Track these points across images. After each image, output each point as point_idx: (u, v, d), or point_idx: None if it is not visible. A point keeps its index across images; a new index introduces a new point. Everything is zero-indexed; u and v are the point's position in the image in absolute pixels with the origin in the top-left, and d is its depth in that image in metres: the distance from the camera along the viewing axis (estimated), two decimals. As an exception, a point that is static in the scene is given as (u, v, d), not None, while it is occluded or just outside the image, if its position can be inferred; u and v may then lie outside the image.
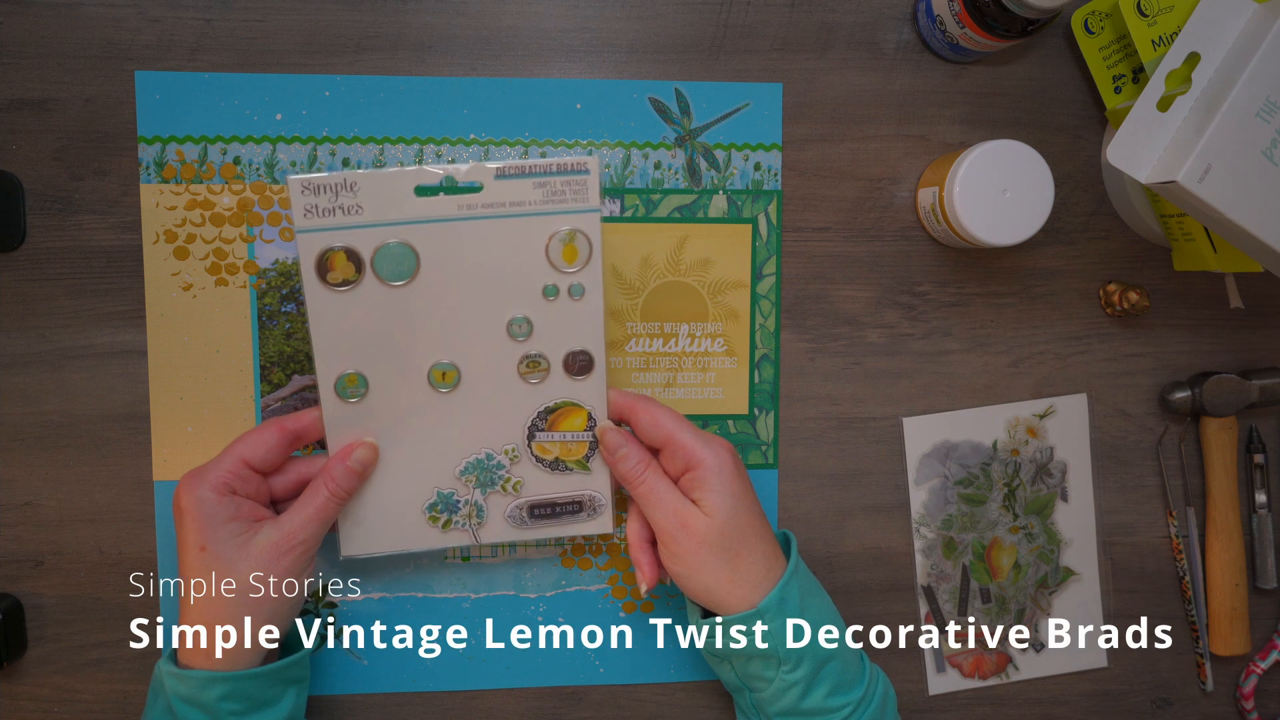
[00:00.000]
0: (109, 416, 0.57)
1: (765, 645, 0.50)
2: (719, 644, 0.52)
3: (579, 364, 0.53)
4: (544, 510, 0.55)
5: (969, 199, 0.54)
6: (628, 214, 0.59)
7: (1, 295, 0.57)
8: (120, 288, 0.57)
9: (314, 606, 0.59)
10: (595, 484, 0.55)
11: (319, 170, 0.57)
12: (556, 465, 0.54)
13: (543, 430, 0.54)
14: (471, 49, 0.58)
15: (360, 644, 0.59)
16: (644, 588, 0.53)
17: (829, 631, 0.51)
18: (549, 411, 0.54)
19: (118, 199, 0.57)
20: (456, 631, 0.60)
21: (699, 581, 0.51)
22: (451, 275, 0.50)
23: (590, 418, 0.54)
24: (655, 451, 0.53)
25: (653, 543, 0.54)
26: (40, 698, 0.58)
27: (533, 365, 0.53)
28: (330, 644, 0.59)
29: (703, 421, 0.60)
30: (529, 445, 0.54)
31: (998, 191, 0.54)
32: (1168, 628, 0.65)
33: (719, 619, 0.51)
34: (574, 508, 0.55)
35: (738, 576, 0.50)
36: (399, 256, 0.49)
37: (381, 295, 0.50)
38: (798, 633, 0.50)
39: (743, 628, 0.50)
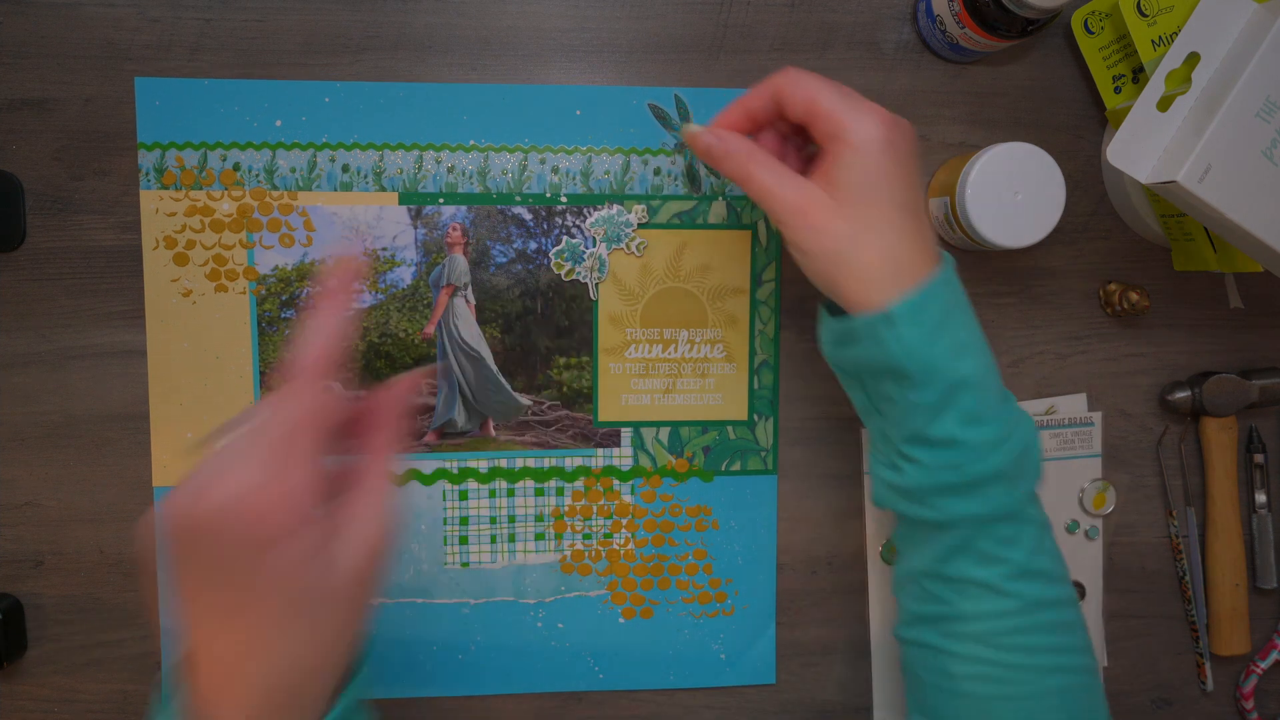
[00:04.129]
0: (109, 416, 0.58)
1: (891, 356, 0.43)
2: (844, 352, 0.46)
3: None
4: None
5: (981, 203, 0.54)
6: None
7: (1, 295, 0.57)
8: (120, 288, 0.57)
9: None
10: None
11: (318, 174, 0.57)
12: None
13: None
14: (471, 49, 0.58)
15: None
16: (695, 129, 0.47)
17: (970, 358, 0.44)
18: None
19: (118, 199, 0.57)
20: (455, 637, 0.60)
21: (822, 274, 0.45)
22: None
23: None
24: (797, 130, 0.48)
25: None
26: (40, 698, 0.58)
27: None
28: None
29: (701, 428, 0.60)
30: None
31: (1009, 194, 0.54)
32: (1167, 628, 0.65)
33: (845, 318, 0.45)
34: None
35: (865, 270, 0.43)
36: None
37: None
38: (929, 346, 0.43)
39: (870, 333, 0.44)
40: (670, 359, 0.60)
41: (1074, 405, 0.63)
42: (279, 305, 0.58)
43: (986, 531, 0.45)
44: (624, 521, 0.60)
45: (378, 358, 0.58)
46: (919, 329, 0.43)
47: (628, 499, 0.60)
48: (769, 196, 0.45)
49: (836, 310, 0.48)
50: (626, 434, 0.60)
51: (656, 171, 0.59)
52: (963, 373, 0.43)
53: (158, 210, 0.57)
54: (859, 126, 0.43)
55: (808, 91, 0.44)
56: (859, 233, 0.43)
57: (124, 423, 0.58)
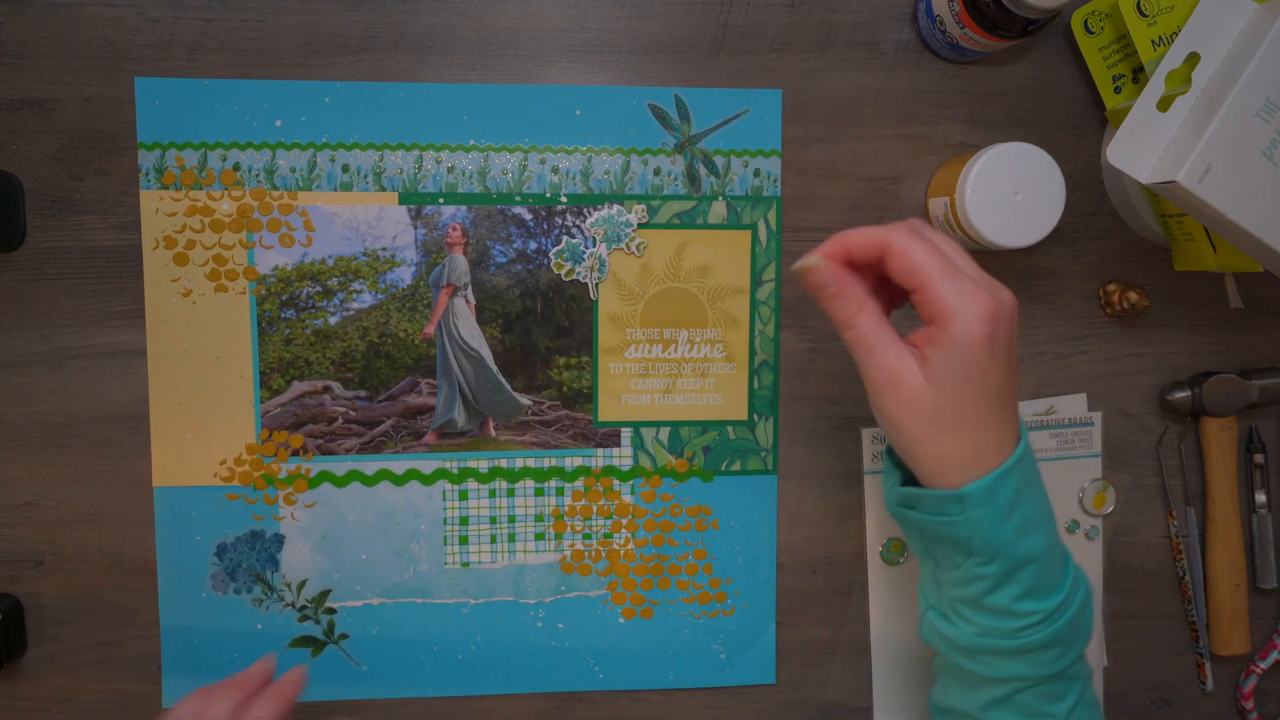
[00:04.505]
0: (109, 416, 0.58)
1: (958, 531, 0.44)
2: (909, 513, 0.46)
3: None
4: None
5: (981, 203, 0.54)
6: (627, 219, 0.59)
7: (1, 295, 0.57)
8: (120, 288, 0.57)
9: (314, 613, 0.59)
10: None
11: (318, 174, 0.57)
12: None
13: None
14: (471, 49, 0.58)
15: (360, 649, 0.60)
16: (811, 261, 0.45)
17: (1037, 534, 0.44)
18: None
19: (118, 199, 0.57)
20: (455, 637, 0.60)
21: (899, 441, 0.44)
22: None
23: None
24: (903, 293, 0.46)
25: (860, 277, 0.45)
26: (40, 698, 0.58)
27: None
28: (330, 649, 0.60)
29: (701, 428, 0.60)
30: None
31: (1009, 194, 0.54)
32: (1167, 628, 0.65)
33: (914, 489, 0.45)
34: None
35: (944, 453, 0.43)
36: None
37: None
38: (998, 528, 0.43)
39: (939, 508, 0.44)
40: (670, 359, 0.60)
41: (1074, 405, 0.63)
42: (279, 305, 0.58)
43: (1035, 689, 0.45)
44: (624, 521, 0.60)
45: (378, 358, 0.58)
46: (990, 510, 0.43)
47: (628, 499, 0.60)
48: (868, 355, 0.44)
49: (904, 468, 0.48)
50: (626, 434, 0.60)
51: (656, 171, 0.59)
52: (1029, 551, 0.43)
53: (158, 210, 0.57)
54: (962, 319, 0.42)
55: (919, 266, 0.43)
56: (945, 419, 0.43)
57: (124, 423, 0.58)
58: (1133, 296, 0.61)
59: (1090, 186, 0.62)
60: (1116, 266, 0.63)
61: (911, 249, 0.43)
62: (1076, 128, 0.61)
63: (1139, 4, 0.52)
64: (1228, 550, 0.63)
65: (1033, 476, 0.45)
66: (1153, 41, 0.53)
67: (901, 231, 0.44)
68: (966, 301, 0.42)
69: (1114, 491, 0.62)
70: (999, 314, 0.42)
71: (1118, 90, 0.57)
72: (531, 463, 0.60)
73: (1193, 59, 0.49)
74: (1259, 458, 0.64)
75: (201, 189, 0.57)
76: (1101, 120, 0.61)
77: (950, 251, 0.44)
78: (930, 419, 0.43)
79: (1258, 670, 0.65)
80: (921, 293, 0.43)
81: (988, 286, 0.43)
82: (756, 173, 0.59)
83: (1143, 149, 0.50)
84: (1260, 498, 0.64)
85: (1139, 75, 0.57)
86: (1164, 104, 0.50)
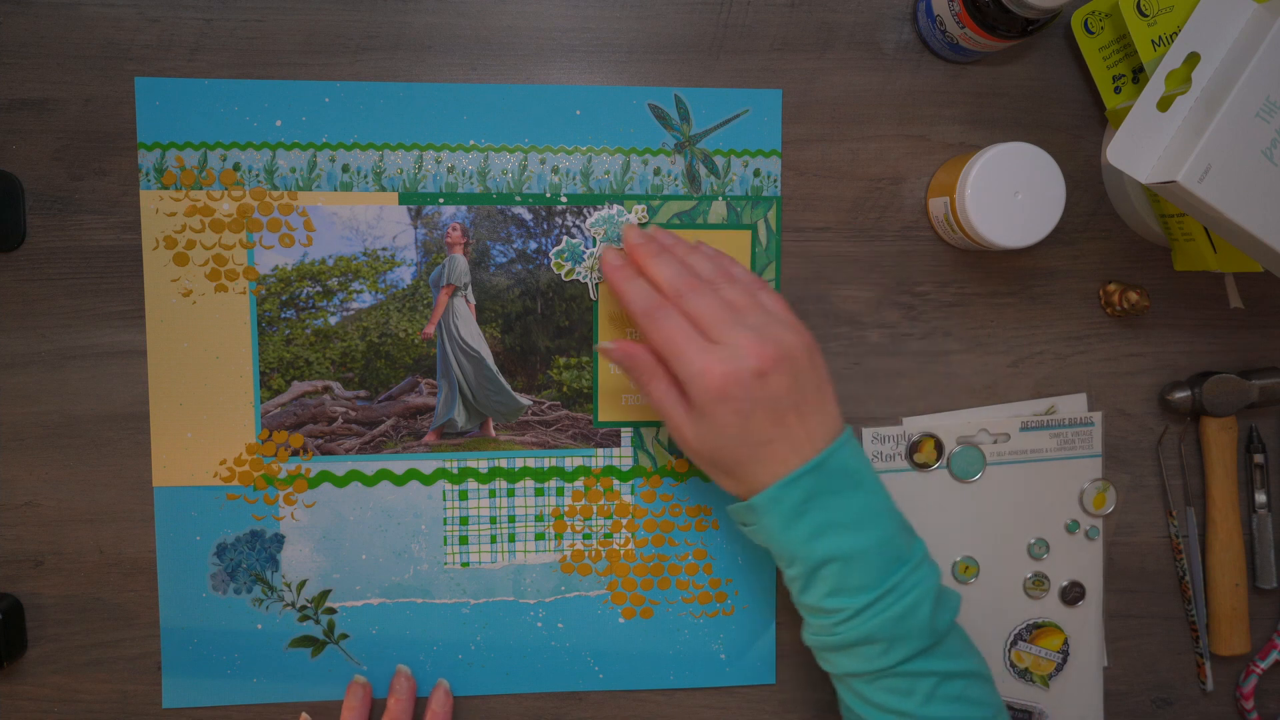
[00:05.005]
0: (109, 417, 0.58)
1: (762, 539, 0.50)
2: (743, 529, 0.52)
3: (1074, 594, 0.62)
4: None
5: (981, 203, 0.54)
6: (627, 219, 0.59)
7: (1, 295, 0.57)
8: (120, 288, 0.57)
9: (314, 613, 0.59)
10: (1048, 700, 0.63)
11: (318, 174, 0.57)
12: (1024, 675, 0.62)
13: (1024, 641, 0.62)
14: (471, 49, 0.58)
15: (360, 649, 0.60)
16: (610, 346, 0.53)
17: (840, 536, 0.48)
18: (1035, 626, 0.62)
19: (118, 199, 0.57)
20: (456, 637, 0.60)
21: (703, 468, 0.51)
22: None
23: (1066, 642, 0.62)
24: None
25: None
26: (40, 698, 0.58)
27: (1038, 583, 0.62)
28: (330, 649, 0.60)
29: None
30: (1008, 650, 0.62)
31: (1009, 194, 0.54)
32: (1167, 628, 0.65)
33: (732, 505, 0.52)
34: (1024, 715, 0.62)
35: (736, 480, 0.50)
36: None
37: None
38: (787, 532, 0.49)
39: (744, 518, 0.51)
40: (670, 359, 0.60)
41: (1074, 405, 0.63)
42: (279, 305, 0.58)
43: (876, 684, 0.49)
44: (624, 521, 0.60)
45: (378, 358, 0.58)
46: (778, 516, 0.48)
47: (628, 499, 0.60)
48: (662, 417, 0.51)
49: None
50: (626, 434, 0.60)
51: (656, 171, 0.59)
52: (828, 552, 0.48)
53: (158, 210, 0.57)
54: (694, 387, 0.48)
55: (661, 347, 0.49)
56: (720, 461, 0.49)
57: (124, 423, 0.58)
58: (1133, 296, 0.61)
59: (1090, 186, 0.62)
60: (1116, 266, 0.63)
61: (654, 331, 0.49)
62: (1076, 128, 0.61)
63: (1139, 4, 0.52)
64: (1228, 550, 0.63)
65: (838, 484, 0.49)
66: (1153, 41, 0.53)
67: (655, 311, 0.50)
68: (692, 372, 0.47)
69: (1114, 491, 0.62)
70: (730, 376, 0.47)
71: (1118, 90, 0.57)
72: (531, 463, 0.60)
73: (1193, 59, 0.49)
74: (1259, 458, 0.64)
75: (201, 189, 0.57)
76: (1101, 120, 0.61)
77: (707, 312, 0.49)
78: (709, 462, 0.50)
79: (1258, 670, 0.65)
80: (669, 363, 0.49)
81: (736, 344, 0.47)
82: (756, 173, 0.59)
83: (1143, 149, 0.50)
84: (1260, 498, 0.64)
85: (1139, 75, 0.57)
86: (1164, 104, 0.50)
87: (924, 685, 0.49)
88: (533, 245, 0.59)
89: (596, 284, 0.59)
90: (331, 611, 0.59)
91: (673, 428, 0.50)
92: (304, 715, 0.59)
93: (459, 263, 0.58)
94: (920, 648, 0.48)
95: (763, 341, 0.47)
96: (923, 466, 0.61)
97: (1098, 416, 0.62)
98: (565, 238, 0.59)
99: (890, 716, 0.49)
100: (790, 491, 0.48)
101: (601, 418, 0.60)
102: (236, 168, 0.57)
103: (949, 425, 0.61)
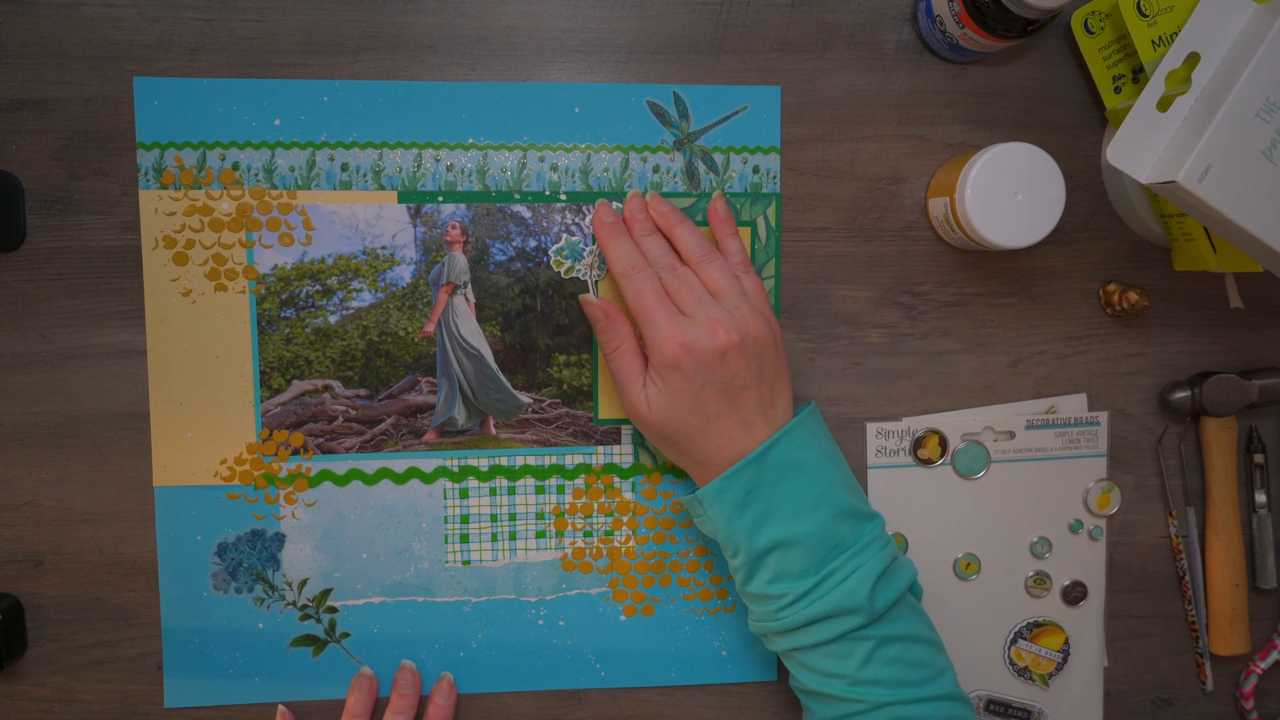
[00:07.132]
0: (109, 417, 0.58)
1: (709, 530, 0.52)
2: (695, 520, 0.54)
3: (1076, 593, 0.62)
4: (999, 708, 0.62)
5: (981, 203, 0.54)
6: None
7: (1, 295, 0.57)
8: (120, 288, 0.57)
9: (315, 611, 0.59)
10: (1047, 700, 0.62)
11: (317, 173, 0.57)
12: (1024, 673, 0.62)
13: (1025, 639, 0.62)
14: (471, 49, 0.58)
15: (361, 648, 0.60)
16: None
17: (782, 524, 0.50)
18: (1036, 625, 0.62)
19: (118, 199, 0.57)
20: (457, 635, 0.60)
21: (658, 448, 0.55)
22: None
23: (1067, 641, 0.62)
24: None
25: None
26: (40, 698, 0.58)
27: (1039, 582, 0.62)
28: (331, 647, 0.60)
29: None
30: (1008, 648, 0.62)
31: (1009, 194, 0.54)
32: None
33: (683, 495, 0.55)
34: (1023, 714, 0.62)
35: (688, 461, 0.53)
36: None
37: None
38: (732, 523, 0.51)
39: (694, 510, 0.53)
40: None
41: (1074, 405, 0.63)
42: (279, 304, 0.58)
43: (815, 652, 0.51)
44: (625, 519, 0.61)
45: (378, 356, 0.58)
46: (723, 508, 0.51)
47: (628, 496, 0.60)
48: (619, 388, 0.54)
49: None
50: (627, 431, 0.60)
51: (656, 169, 0.59)
52: (771, 540, 0.50)
53: (157, 210, 0.57)
54: (655, 352, 0.51)
55: (634, 309, 0.52)
56: (670, 435, 0.52)
57: (124, 423, 0.58)
58: (1133, 296, 0.61)
59: (1090, 186, 0.62)
60: (1116, 266, 0.63)
61: (630, 290, 0.52)
62: (1076, 128, 0.61)
63: (1139, 4, 0.52)
64: (1228, 550, 0.63)
65: (779, 474, 0.50)
66: (1153, 41, 0.53)
67: (633, 273, 0.52)
68: (658, 337, 0.50)
69: (1119, 492, 0.62)
70: (689, 345, 0.49)
71: (1118, 90, 0.57)
72: (532, 460, 0.60)
73: (1193, 59, 0.49)
74: (1259, 458, 0.64)
75: (201, 188, 0.57)
76: (1101, 120, 0.61)
77: (683, 288, 0.52)
78: (660, 436, 0.52)
79: (1258, 670, 0.65)
80: (640, 328, 0.52)
81: (705, 319, 0.50)
82: (755, 169, 0.59)
83: (1143, 149, 0.50)
84: (1260, 498, 0.64)
85: (1139, 75, 0.57)
86: (1164, 104, 0.50)
87: (861, 649, 0.50)
88: (532, 243, 0.59)
89: (596, 281, 0.59)
90: (333, 610, 0.59)
91: (628, 395, 0.53)
92: (281, 707, 0.58)
93: (458, 261, 0.58)
94: (859, 624, 0.50)
95: (730, 324, 0.50)
96: (926, 462, 0.61)
97: (1103, 416, 0.62)
98: (565, 235, 0.59)
99: (829, 680, 0.51)
100: (734, 483, 0.50)
101: (602, 415, 0.60)
102: (236, 167, 0.57)
103: (954, 422, 0.61)
